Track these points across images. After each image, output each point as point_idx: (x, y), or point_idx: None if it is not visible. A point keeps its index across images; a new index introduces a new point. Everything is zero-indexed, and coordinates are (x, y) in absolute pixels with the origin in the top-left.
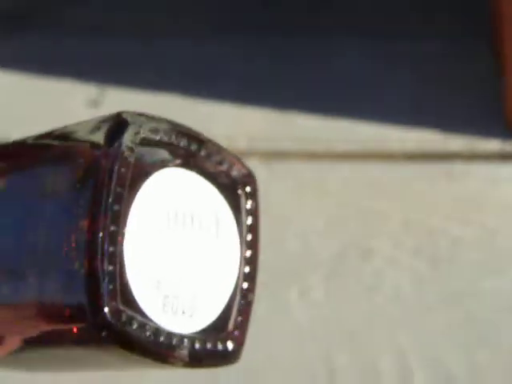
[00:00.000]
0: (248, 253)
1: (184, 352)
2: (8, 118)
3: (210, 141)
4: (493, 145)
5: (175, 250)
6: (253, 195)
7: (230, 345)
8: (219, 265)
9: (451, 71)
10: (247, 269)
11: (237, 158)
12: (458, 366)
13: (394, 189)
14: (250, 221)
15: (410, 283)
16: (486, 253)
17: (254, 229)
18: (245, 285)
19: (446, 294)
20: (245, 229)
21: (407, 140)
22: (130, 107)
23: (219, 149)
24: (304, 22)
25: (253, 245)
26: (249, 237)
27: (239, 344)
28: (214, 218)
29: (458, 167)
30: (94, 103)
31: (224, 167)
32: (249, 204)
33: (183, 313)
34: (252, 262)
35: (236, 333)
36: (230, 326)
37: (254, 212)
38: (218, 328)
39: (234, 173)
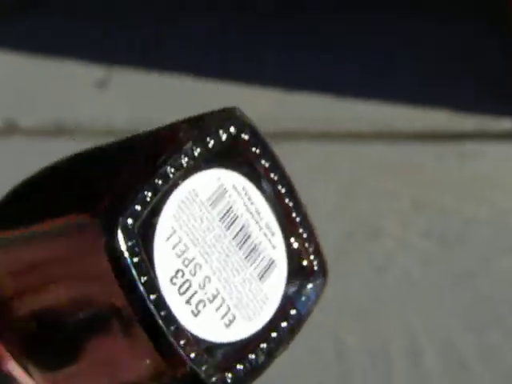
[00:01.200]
0: (283, 324)
1: (186, 357)
2: (16, 98)
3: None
4: (504, 124)
5: (215, 248)
6: (317, 288)
7: None
8: (251, 304)
9: (461, 50)
10: (274, 335)
11: (318, 249)
12: (468, 347)
13: (404, 169)
14: (302, 306)
15: (420, 263)
16: (497, 232)
17: (299, 319)
18: (263, 344)
19: (457, 274)
20: (292, 307)
21: (417, 120)
22: (138, 87)
23: (309, 225)
24: (311, 2)
25: (291, 325)
26: (291, 318)
27: None
28: (268, 263)
29: (469, 147)
30: (102, 83)
31: (305, 247)
32: (310, 290)
33: (197, 308)
34: (277, 336)
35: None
36: (227, 368)
37: (309, 300)
38: (217, 357)
39: (311, 258)
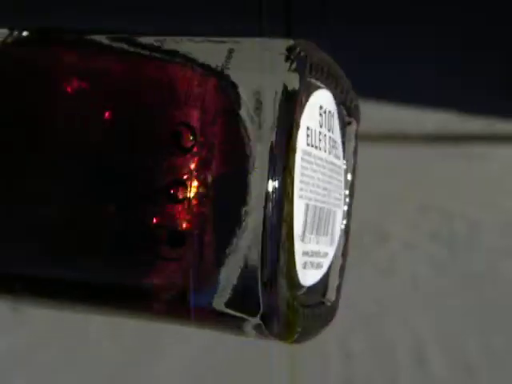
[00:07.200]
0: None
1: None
2: None
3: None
4: None
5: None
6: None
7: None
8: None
9: (470, 50)
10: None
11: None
12: (475, 352)
13: (411, 171)
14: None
15: (427, 268)
16: (505, 237)
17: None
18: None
19: (464, 279)
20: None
21: (425, 121)
22: None
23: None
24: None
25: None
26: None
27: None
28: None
29: (478, 149)
30: None
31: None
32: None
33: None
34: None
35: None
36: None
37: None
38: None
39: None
